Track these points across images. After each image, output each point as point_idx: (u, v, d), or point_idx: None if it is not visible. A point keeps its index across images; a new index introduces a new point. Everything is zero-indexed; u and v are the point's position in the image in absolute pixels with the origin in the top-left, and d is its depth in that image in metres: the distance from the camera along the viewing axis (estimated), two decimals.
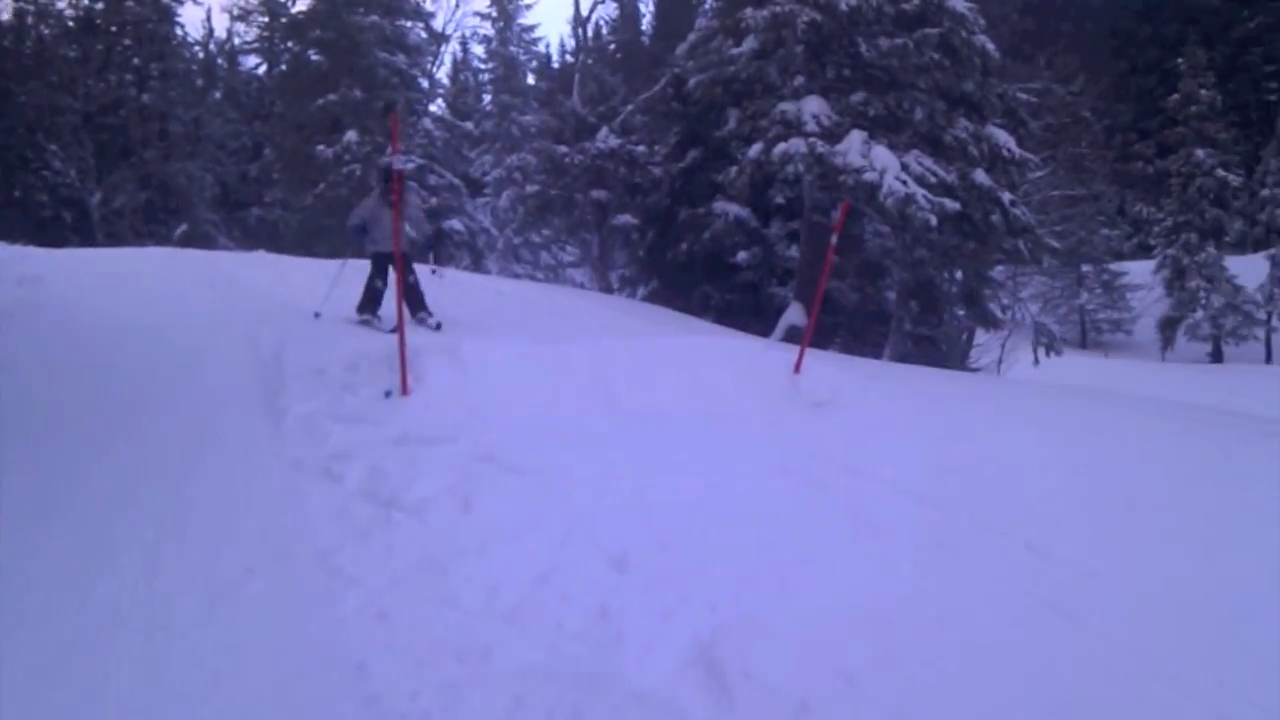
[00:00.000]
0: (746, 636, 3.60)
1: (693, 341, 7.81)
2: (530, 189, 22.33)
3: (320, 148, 25.84)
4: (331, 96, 26.42)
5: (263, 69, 42.11)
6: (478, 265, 25.96)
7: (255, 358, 7.68)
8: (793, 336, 14.41)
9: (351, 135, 25.41)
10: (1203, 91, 46.86)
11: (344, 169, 25.13)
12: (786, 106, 15.52)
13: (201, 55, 42.68)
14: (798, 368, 7.52)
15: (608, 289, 22.08)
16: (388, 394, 5.91)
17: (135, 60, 33.66)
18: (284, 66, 31.31)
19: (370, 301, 9.47)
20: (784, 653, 3.52)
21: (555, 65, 52.91)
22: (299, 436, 5.50)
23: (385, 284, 9.41)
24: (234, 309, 10.02)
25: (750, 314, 18.87)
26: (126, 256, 15.10)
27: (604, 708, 3.14)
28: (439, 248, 9.94)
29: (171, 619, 3.67)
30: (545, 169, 21.93)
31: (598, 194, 21.15)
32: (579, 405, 6.20)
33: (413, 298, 9.46)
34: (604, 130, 20.90)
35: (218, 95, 41.53)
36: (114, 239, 29.04)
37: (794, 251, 18.60)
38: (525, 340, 7.47)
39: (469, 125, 30.34)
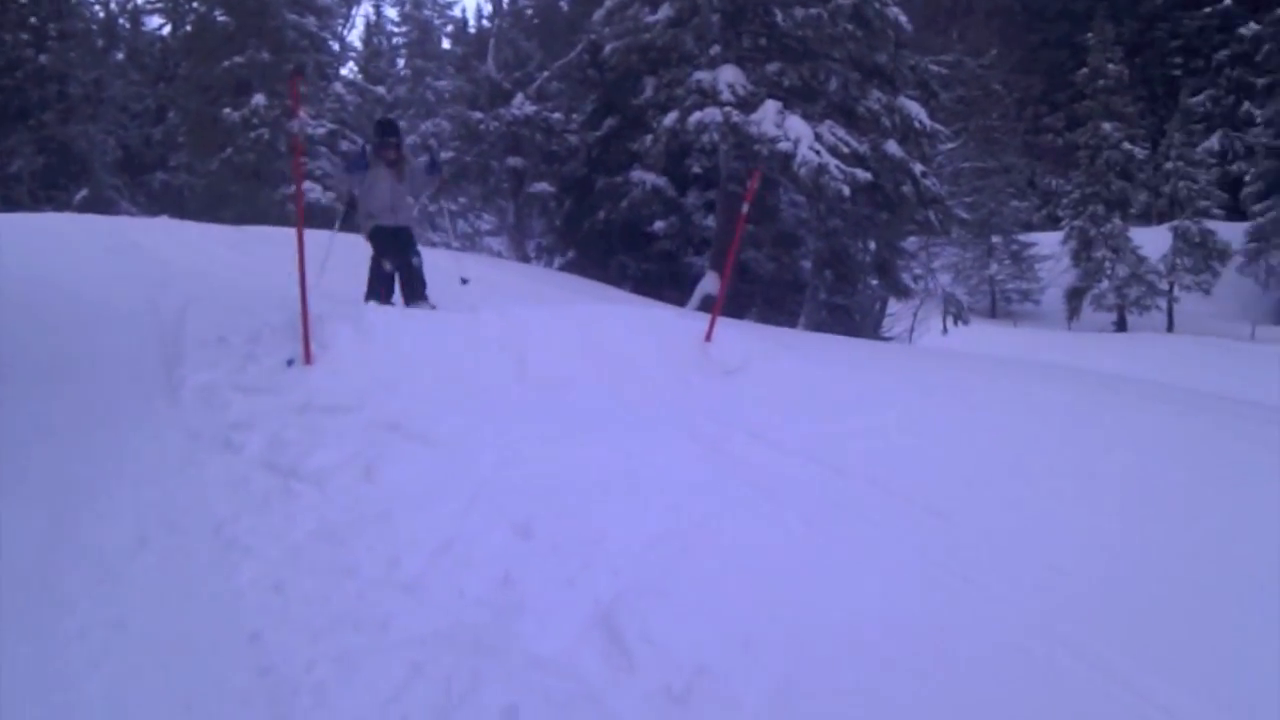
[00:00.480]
0: (648, 601, 3.62)
1: (605, 310, 7.80)
2: (444, 155, 22.04)
3: (226, 111, 25.19)
4: (238, 58, 25.73)
5: (167, 29, 40.73)
6: None
7: (156, 326, 7.50)
8: (708, 305, 14.48)
9: (259, 98, 24.82)
10: (1110, 66, 48.03)
11: (251, 133, 24.55)
12: (702, 75, 15.52)
13: (102, 15, 41.12)
14: (709, 336, 7.56)
15: (524, 258, 21.96)
16: (290, 362, 5.79)
17: (32, 19, 32.32)
18: (189, 27, 30.34)
19: (379, 288, 8.32)
20: (684, 617, 3.55)
21: (471, 29, 52.10)
22: (198, 406, 5.37)
23: (394, 265, 8.28)
24: (135, 276, 9.76)
25: (667, 283, 18.93)
26: (23, 222, 14.57)
27: (502, 673, 3.14)
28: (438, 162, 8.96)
29: (60, 592, 3.57)
30: (460, 135, 21.69)
31: (513, 161, 20.98)
32: (488, 373, 6.15)
33: (414, 282, 8.37)
34: (520, 97, 20.71)
35: (120, 56, 40.15)
36: (10, 204, 27.96)
37: (710, 221, 18.67)
38: (435, 308, 7.39)
39: (381, 90, 29.78)
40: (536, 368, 6.35)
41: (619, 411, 5.87)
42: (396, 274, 8.35)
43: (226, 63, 25.76)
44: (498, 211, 23.62)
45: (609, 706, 3.07)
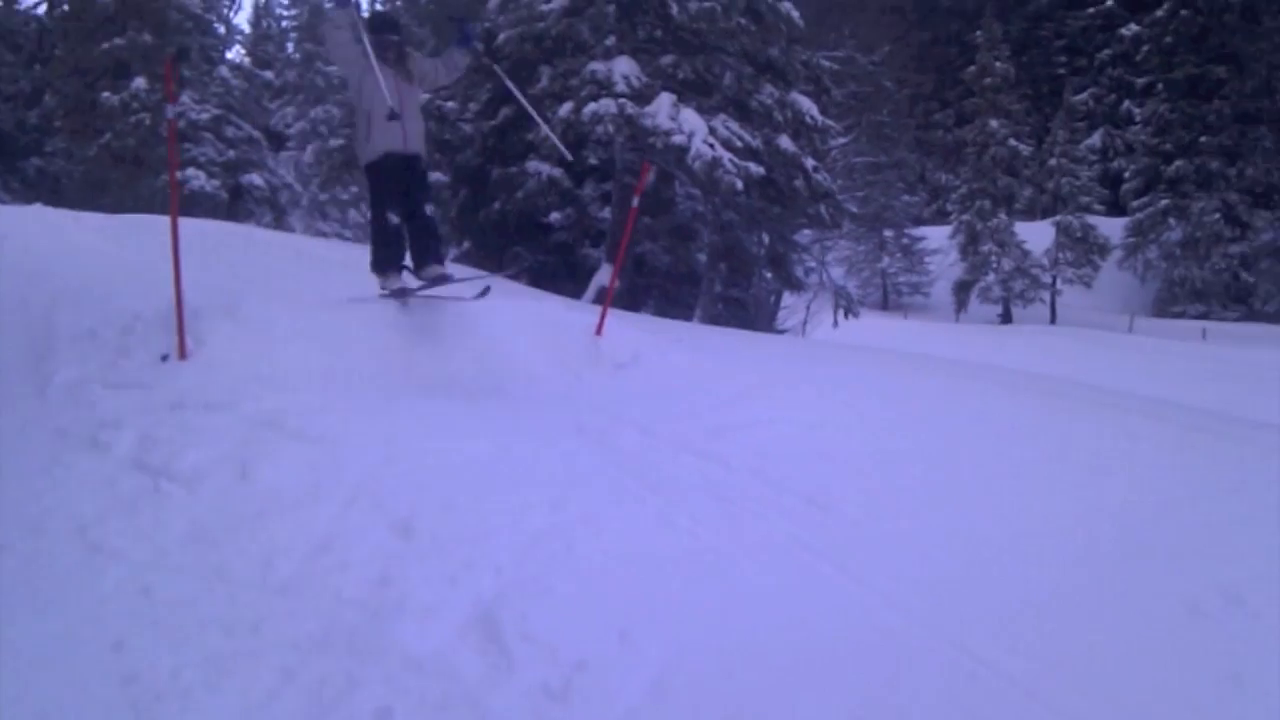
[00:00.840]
0: (529, 598, 3.62)
1: (492, 305, 7.72)
2: (334, 143, 21.62)
3: (105, 95, 24.25)
4: (118, 40, 24.84)
5: (42, 9, 39.03)
6: (279, 223, 24.98)
7: (23, 320, 7.17)
8: (602, 298, 14.50)
9: (140, 82, 24.00)
10: (998, 64, 49.56)
11: (131, 118, 23.69)
12: (597, 66, 15.51)
13: None
14: (599, 330, 7.55)
15: None
16: (164, 358, 5.61)
17: None
18: (66, 6, 29.12)
19: (390, 251, 6.70)
20: (565, 612, 3.56)
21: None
22: (64, 403, 5.16)
23: (401, 216, 6.66)
24: (3, 268, 9.33)
25: (564, 275, 18.86)
26: None
27: (378, 675, 3.10)
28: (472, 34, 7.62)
29: None
30: (350, 122, 21.24)
31: None
32: (371, 369, 6.03)
33: (426, 238, 6.77)
34: None
35: None
36: None
37: (607, 213, 18.66)
38: (318, 302, 7.22)
39: (269, 75, 29.03)
40: (421, 364, 6.27)
41: (505, 407, 5.84)
42: (402, 226, 6.66)
43: (106, 44, 24.84)
44: None
45: (485, 705, 3.05)
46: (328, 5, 6.57)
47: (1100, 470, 5.60)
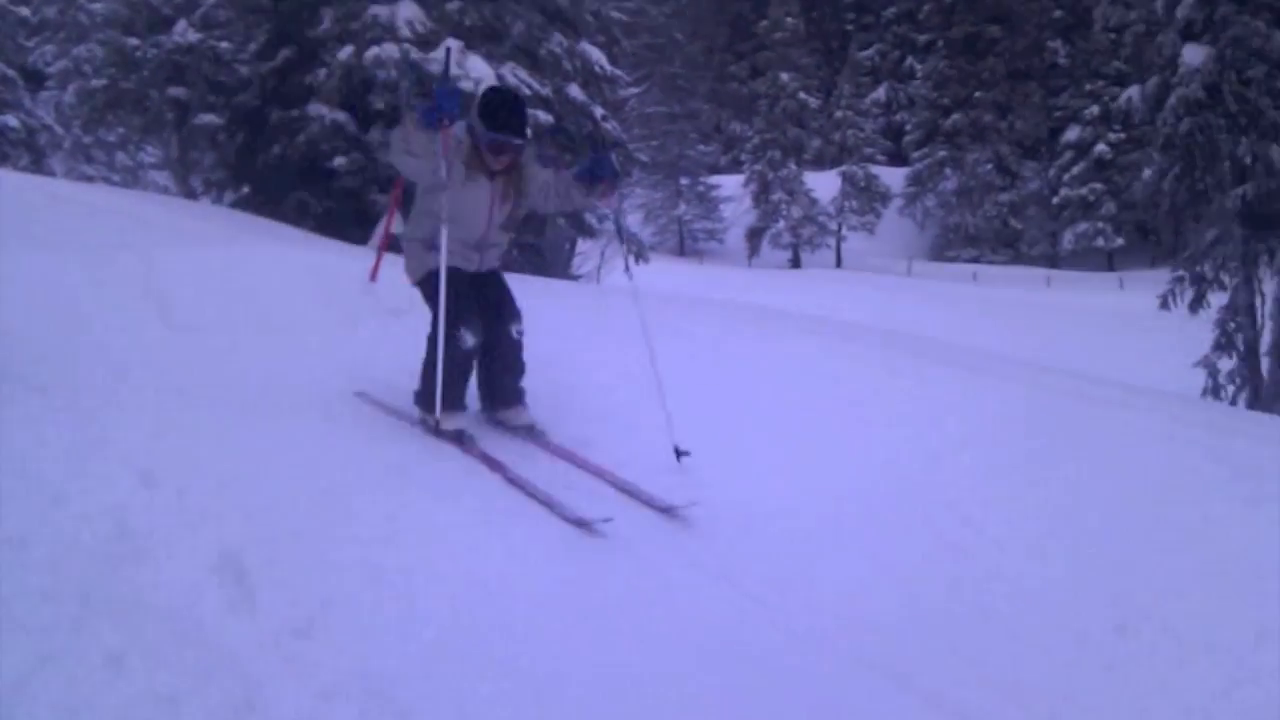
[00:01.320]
0: (277, 544, 3.63)
1: (263, 251, 7.54)
2: (98, 82, 20.30)
3: None
4: None
5: None
6: (39, 166, 23.29)
7: None
8: (389, 244, 14.27)
9: None
10: (788, 19, 51.07)
11: None
12: (379, 10, 15.21)
13: None
14: (373, 276, 7.47)
15: (190, 194, 20.62)
16: None
17: None
18: None
19: (451, 381, 4.84)
20: (313, 556, 3.60)
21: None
22: None
23: (478, 338, 4.87)
24: None
25: (351, 222, 18.35)
26: None
27: (107, 625, 3.05)
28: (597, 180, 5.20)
29: None
30: (114, 63, 19.97)
31: (176, 91, 19.59)
32: (125, 320, 5.80)
33: (509, 368, 5.19)
34: (182, 24, 19.30)
35: None
36: None
37: None
38: (71, 249, 6.86)
39: (26, 11, 26.81)
40: (181, 314, 6.06)
41: (266, 355, 5.70)
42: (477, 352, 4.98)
43: None
44: (163, 144, 22.00)
45: (225, 646, 3.07)
46: (412, 111, 4.93)
47: (888, 418, 5.77)
